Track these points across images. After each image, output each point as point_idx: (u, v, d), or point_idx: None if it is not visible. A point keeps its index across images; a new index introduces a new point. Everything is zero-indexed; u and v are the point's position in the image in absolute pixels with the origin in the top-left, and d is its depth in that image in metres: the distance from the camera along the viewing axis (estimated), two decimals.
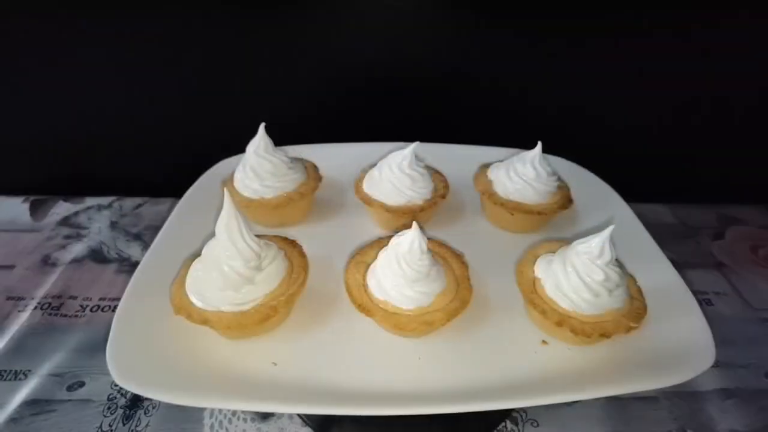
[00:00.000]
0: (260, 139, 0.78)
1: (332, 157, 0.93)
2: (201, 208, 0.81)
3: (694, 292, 0.68)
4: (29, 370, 0.73)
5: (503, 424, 0.71)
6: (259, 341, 0.62)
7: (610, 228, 0.60)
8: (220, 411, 0.70)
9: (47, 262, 0.92)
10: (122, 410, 0.69)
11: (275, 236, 0.70)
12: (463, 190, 0.89)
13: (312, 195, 0.82)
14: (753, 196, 1.17)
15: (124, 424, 0.68)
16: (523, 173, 0.79)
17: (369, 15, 0.98)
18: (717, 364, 0.67)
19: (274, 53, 1.00)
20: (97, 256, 0.94)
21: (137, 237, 0.99)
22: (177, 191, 0.87)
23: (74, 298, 0.85)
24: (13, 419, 0.67)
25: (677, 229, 1.08)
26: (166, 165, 1.08)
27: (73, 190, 1.12)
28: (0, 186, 1.13)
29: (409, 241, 0.60)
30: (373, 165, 0.83)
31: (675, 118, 1.07)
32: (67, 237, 0.99)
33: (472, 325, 0.65)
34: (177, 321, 0.59)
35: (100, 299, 0.85)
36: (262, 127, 0.78)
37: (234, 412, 0.70)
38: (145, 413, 0.69)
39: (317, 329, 0.65)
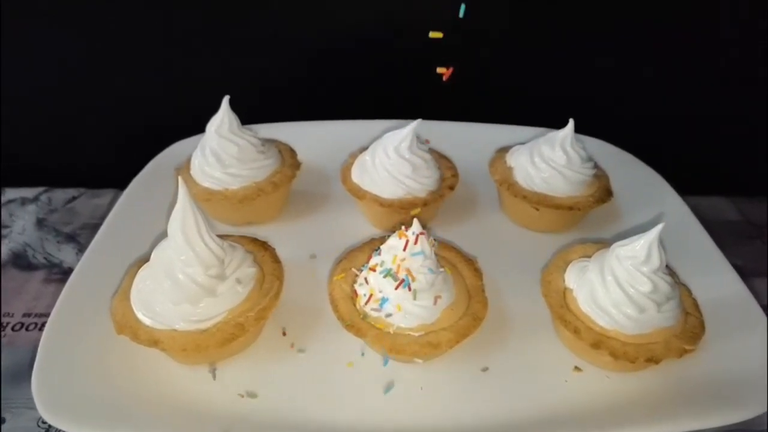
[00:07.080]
0: (223, 116, 0.78)
1: (313, 139, 0.93)
2: (150, 201, 0.81)
3: (764, 307, 0.68)
4: None
5: None
6: (223, 367, 0.62)
7: (659, 227, 0.60)
8: None
9: None
10: None
11: (242, 237, 0.71)
12: (476, 180, 0.89)
13: (288, 186, 0.82)
14: None
15: None
16: (550, 158, 0.79)
17: None
18: None
19: (241, 10, 0.99)
20: (20, 261, 0.94)
21: (70, 238, 0.99)
22: (120, 181, 0.86)
23: None
24: None
25: (742, 228, 1.08)
26: (106, 148, 1.07)
27: None
28: None
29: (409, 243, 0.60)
30: (365, 148, 0.83)
31: (737, 92, 1.07)
32: None
33: (487, 348, 0.65)
34: (120, 342, 0.59)
35: (24, 315, 0.84)
36: (225, 100, 0.78)
37: None
38: None
39: (294, 353, 0.65)
